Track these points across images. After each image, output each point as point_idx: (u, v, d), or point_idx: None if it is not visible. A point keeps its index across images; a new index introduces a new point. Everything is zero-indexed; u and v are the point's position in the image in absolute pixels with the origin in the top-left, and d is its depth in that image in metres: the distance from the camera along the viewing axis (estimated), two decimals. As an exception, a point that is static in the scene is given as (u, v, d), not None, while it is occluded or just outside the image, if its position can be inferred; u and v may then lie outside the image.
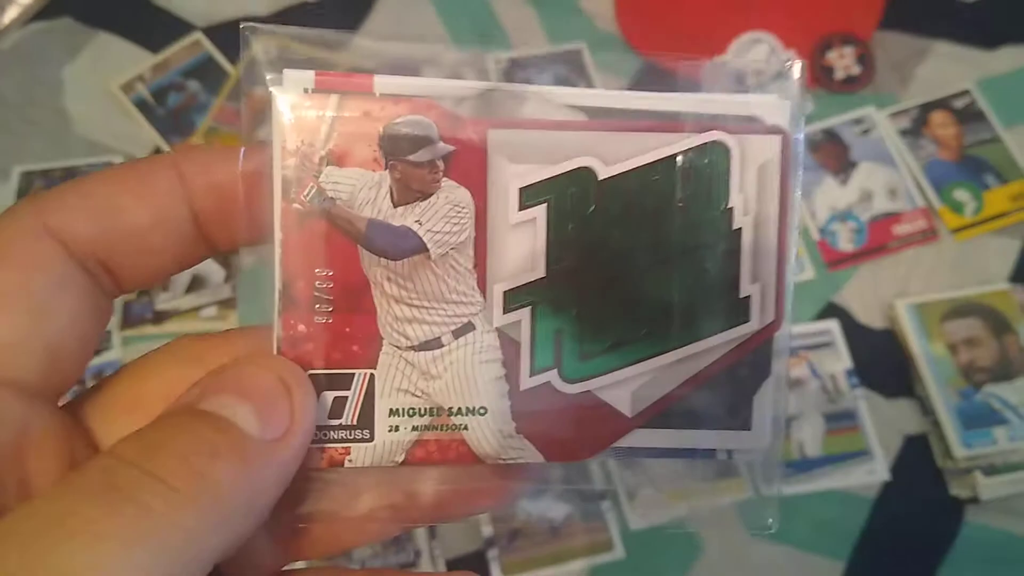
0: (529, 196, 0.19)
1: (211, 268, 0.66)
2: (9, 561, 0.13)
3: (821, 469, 0.61)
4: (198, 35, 0.77)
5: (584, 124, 0.19)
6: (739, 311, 0.20)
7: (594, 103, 0.19)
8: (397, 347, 0.19)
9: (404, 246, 0.18)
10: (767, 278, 0.20)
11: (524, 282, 0.19)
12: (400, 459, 0.19)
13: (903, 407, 0.63)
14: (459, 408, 0.19)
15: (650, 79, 0.19)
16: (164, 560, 0.14)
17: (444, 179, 0.18)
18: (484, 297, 0.19)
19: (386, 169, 0.18)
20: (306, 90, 0.18)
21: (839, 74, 0.74)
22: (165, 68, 0.76)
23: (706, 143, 0.19)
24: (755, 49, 0.75)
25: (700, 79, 0.20)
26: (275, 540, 0.19)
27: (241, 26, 0.19)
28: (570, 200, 0.19)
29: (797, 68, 0.20)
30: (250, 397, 0.17)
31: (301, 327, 0.18)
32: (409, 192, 0.18)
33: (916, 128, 0.72)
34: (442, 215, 0.19)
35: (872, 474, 0.61)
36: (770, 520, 0.22)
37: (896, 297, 0.66)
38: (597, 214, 0.19)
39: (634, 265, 0.19)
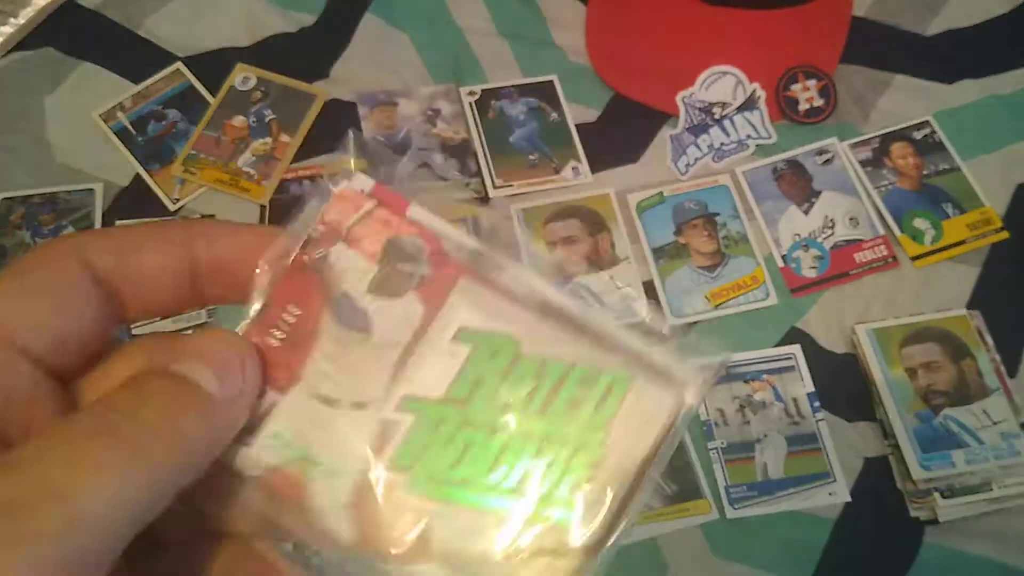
0: (463, 336, 0.23)
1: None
2: (26, 483, 0.16)
3: (784, 491, 0.62)
4: (178, 65, 0.79)
5: (533, 307, 0.23)
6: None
7: (549, 298, 0.23)
8: (306, 390, 0.22)
9: (356, 322, 0.22)
10: (605, 498, 0.22)
11: (421, 395, 0.22)
12: (257, 473, 0.22)
13: (864, 430, 0.65)
14: (322, 461, 0.22)
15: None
16: (147, 490, 0.18)
17: (411, 292, 0.23)
18: (387, 391, 0.22)
19: (377, 265, 0.23)
20: (362, 191, 0.23)
21: (803, 106, 0.77)
22: (145, 97, 0.77)
23: (614, 371, 0.22)
24: (721, 82, 0.77)
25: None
26: None
27: (349, 131, 0.24)
28: (491, 355, 0.23)
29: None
30: (212, 363, 0.20)
31: (256, 339, 0.22)
32: (383, 288, 0.23)
33: (877, 158, 0.75)
34: (396, 316, 0.23)
35: (833, 496, 0.62)
36: None
37: (857, 322, 0.68)
38: (505, 376, 0.22)
39: (510, 430, 0.22)
